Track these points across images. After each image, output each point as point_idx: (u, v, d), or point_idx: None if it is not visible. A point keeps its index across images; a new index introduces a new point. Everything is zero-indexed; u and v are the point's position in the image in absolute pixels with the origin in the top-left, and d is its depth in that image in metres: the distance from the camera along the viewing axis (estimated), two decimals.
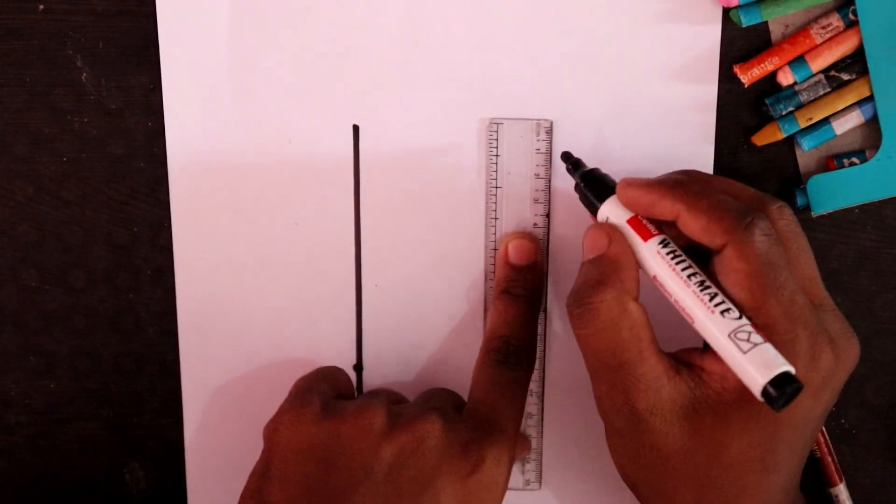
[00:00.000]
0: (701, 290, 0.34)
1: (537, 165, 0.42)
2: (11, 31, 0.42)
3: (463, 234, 0.43)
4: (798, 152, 0.42)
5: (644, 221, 0.37)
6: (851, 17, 0.40)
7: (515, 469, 0.45)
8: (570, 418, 0.45)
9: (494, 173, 0.42)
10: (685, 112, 0.42)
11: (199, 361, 0.45)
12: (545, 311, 0.44)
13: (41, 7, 0.42)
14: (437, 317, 0.44)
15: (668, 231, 0.36)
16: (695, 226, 0.35)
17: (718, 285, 0.35)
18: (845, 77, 0.41)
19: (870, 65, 0.40)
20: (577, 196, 0.40)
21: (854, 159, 0.42)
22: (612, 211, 0.37)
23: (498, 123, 0.42)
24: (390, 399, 0.40)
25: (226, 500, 0.46)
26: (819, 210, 0.42)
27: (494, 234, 0.43)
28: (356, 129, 0.43)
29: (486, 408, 0.39)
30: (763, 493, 0.36)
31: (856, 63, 0.41)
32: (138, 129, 0.43)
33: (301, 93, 0.42)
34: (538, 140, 0.42)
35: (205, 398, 0.45)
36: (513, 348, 0.40)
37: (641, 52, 0.41)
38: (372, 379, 0.45)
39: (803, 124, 0.41)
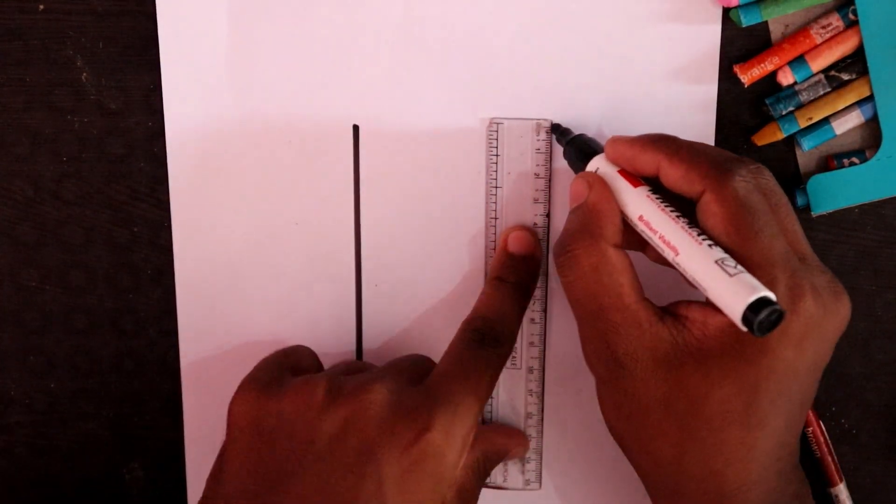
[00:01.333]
0: (689, 227, 0.35)
1: (537, 165, 0.42)
2: (11, 31, 0.42)
3: (463, 234, 0.43)
4: (798, 152, 0.42)
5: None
6: (851, 16, 0.40)
7: (515, 469, 0.45)
8: (570, 418, 0.45)
9: (494, 173, 0.42)
10: (685, 112, 0.42)
11: (199, 361, 0.45)
12: (545, 310, 0.44)
13: (41, 7, 0.42)
14: (436, 316, 0.44)
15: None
16: (675, 174, 0.35)
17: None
18: (845, 77, 0.41)
19: (870, 65, 0.40)
20: None
21: (854, 159, 0.42)
22: (602, 164, 0.38)
23: (498, 123, 0.42)
24: (348, 370, 0.39)
25: None
26: (819, 210, 0.42)
27: (494, 234, 0.43)
28: (356, 129, 0.43)
29: (446, 379, 0.37)
30: (745, 450, 0.35)
31: (856, 63, 0.41)
32: (138, 129, 0.43)
33: (301, 93, 0.42)
34: (538, 140, 0.42)
35: (205, 398, 0.45)
36: (491, 330, 0.39)
37: (641, 52, 0.41)
38: None
39: (803, 124, 0.41)
